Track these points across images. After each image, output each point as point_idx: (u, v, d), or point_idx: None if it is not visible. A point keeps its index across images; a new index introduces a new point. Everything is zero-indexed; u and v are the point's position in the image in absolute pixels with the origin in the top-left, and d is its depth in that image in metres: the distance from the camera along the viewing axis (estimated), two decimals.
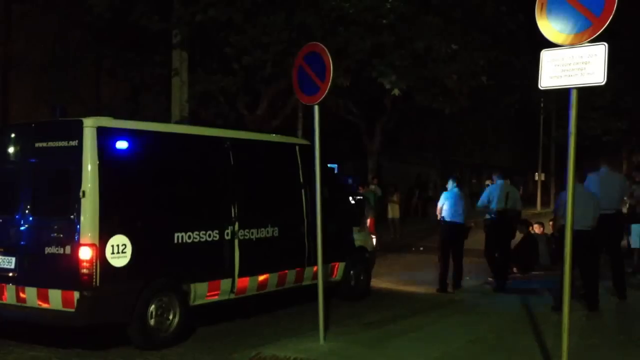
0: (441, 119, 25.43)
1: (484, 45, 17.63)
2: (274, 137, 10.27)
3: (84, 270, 6.86)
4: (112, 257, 7.03)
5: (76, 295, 6.89)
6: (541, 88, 5.71)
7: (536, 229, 14.55)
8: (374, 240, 11.50)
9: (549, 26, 5.49)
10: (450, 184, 11.45)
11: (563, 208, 8.54)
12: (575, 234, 8.43)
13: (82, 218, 6.94)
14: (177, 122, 13.96)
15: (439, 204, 11.36)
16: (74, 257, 6.93)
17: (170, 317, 7.65)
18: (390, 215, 21.11)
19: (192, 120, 14.52)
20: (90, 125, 7.11)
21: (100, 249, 6.94)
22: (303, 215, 9.53)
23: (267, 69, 15.33)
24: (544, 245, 13.79)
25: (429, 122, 29.11)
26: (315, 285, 7.65)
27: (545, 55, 5.58)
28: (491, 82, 18.83)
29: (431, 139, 33.39)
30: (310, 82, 7.40)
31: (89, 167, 7.00)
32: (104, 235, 6.98)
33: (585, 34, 5.30)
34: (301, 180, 9.63)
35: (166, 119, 14.31)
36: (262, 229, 8.85)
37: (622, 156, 45.44)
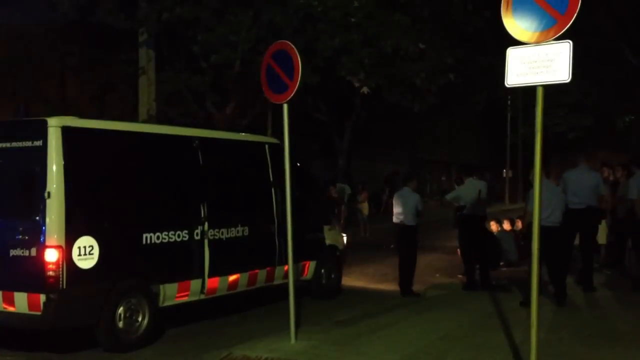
0: (410, 117, 25.60)
1: (452, 43, 17.79)
2: (243, 136, 10.21)
3: (50, 273, 6.74)
4: (78, 259, 6.92)
5: (42, 298, 6.77)
6: (507, 86, 5.77)
7: (505, 225, 14.69)
8: (345, 239, 11.50)
9: (515, 24, 5.55)
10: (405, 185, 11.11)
11: (531, 204, 8.66)
12: (544, 230, 8.58)
13: (47, 219, 6.82)
14: (144, 122, 13.81)
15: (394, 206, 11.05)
16: (39, 259, 6.80)
17: (139, 318, 7.55)
18: (362, 213, 21.26)
19: (160, 120, 14.39)
20: (55, 125, 6.99)
21: (67, 250, 6.82)
22: (273, 214, 9.50)
23: (235, 68, 15.26)
24: (512, 242, 13.94)
25: (398, 121, 29.27)
26: (286, 285, 7.63)
27: (512, 53, 5.64)
28: (459, 80, 19.01)
29: (401, 137, 33.58)
30: (279, 80, 7.37)
31: (54, 168, 6.88)
32: (71, 236, 6.87)
33: (550, 32, 5.36)
34: (271, 179, 9.59)
35: (133, 118, 14.16)
36: (232, 229, 8.79)
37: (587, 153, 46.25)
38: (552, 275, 9.38)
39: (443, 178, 38.94)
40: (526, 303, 8.30)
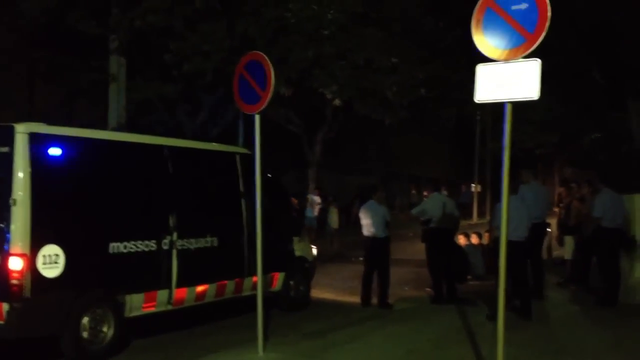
0: (382, 130, 25.75)
1: (423, 59, 17.98)
2: (213, 146, 10.17)
3: (14, 281, 6.63)
4: (43, 268, 6.81)
5: (5, 307, 6.66)
6: (477, 101, 5.85)
7: (473, 239, 14.81)
8: (315, 251, 11.50)
9: (485, 41, 5.64)
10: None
11: (498, 219, 8.77)
12: (510, 245, 8.69)
13: (12, 227, 6.71)
14: (114, 129, 13.67)
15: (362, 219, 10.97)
16: (3, 268, 6.68)
17: (105, 329, 7.45)
18: (331, 226, 21.29)
19: (131, 128, 14.25)
20: (22, 131, 6.89)
21: (31, 259, 6.71)
22: (243, 225, 9.45)
23: (207, 77, 15.21)
24: (480, 256, 14.05)
25: (369, 133, 29.43)
26: (255, 296, 7.60)
27: (481, 69, 5.72)
28: (430, 95, 19.21)
29: (372, 150, 33.74)
30: (251, 91, 7.38)
31: (20, 175, 6.78)
32: (35, 244, 6.76)
33: (519, 50, 5.46)
34: (241, 189, 9.56)
35: (103, 126, 13.99)
36: (201, 239, 8.73)
37: (553, 169, 47.01)
38: (517, 290, 9.48)
39: (413, 191, 39.13)
40: (493, 317, 8.36)
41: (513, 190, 9.68)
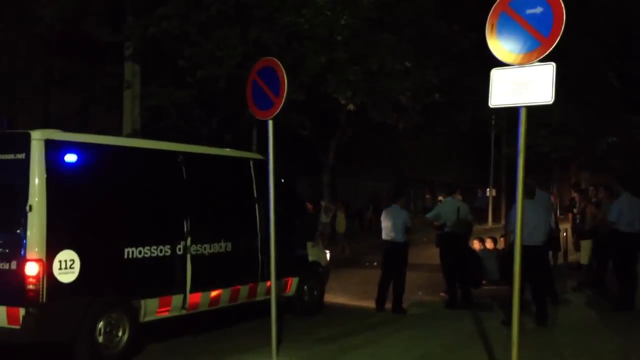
0: (395, 135, 25.71)
1: (437, 63, 17.94)
2: (227, 152, 10.20)
3: (30, 286, 6.68)
4: (59, 273, 6.86)
5: (22, 311, 6.70)
6: (491, 106, 5.82)
7: (488, 244, 14.73)
8: (328, 256, 11.49)
9: (499, 46, 5.62)
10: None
11: (513, 224, 8.75)
12: (526, 249, 8.65)
13: (28, 233, 6.76)
14: (128, 136, 13.76)
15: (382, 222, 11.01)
16: (19, 273, 6.73)
17: (120, 333, 7.49)
18: (338, 230, 21.33)
19: (145, 134, 14.34)
20: (38, 138, 6.95)
21: (47, 264, 6.76)
22: (256, 230, 9.47)
23: (221, 83, 15.26)
24: (495, 261, 13.97)
25: (383, 138, 29.38)
26: (269, 301, 7.60)
27: (496, 74, 5.70)
28: (444, 100, 19.15)
29: (385, 155, 33.68)
30: (265, 96, 7.40)
31: (37, 181, 6.83)
32: (51, 250, 6.81)
33: (534, 54, 5.44)
34: (255, 195, 9.58)
35: (118, 133, 14.09)
36: (215, 244, 8.75)
37: (569, 173, 46.70)
38: (534, 295, 9.41)
39: (427, 196, 39.03)
40: (508, 322, 8.31)
41: (529, 194, 9.64)
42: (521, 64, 5.53)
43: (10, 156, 7.06)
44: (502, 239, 14.91)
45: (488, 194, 40.44)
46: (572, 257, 15.55)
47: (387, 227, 10.81)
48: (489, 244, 14.74)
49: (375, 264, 17.55)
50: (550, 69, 5.44)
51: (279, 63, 7.33)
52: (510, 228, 9.19)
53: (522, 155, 5.56)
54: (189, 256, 8.30)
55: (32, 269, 6.70)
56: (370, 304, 11.11)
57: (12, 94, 15.95)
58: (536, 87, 5.48)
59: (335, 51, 15.33)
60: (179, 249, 8.21)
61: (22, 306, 6.71)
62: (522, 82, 5.56)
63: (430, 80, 17.56)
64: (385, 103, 18.24)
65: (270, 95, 7.34)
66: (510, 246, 9.37)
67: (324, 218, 20.47)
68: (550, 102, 5.46)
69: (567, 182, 44.66)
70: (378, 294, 10.91)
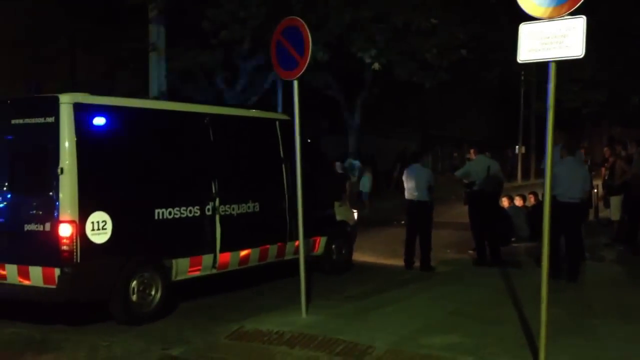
0: (421, 93, 25.45)
1: (464, 19, 17.62)
2: (253, 113, 10.22)
3: (64, 247, 6.84)
4: (92, 234, 7.00)
5: (57, 271, 6.87)
6: (520, 62, 5.72)
7: (517, 201, 14.67)
8: (356, 215, 11.54)
9: None
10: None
11: (555, 181, 8.81)
12: (562, 206, 8.62)
13: (61, 195, 6.89)
14: (155, 98, 13.82)
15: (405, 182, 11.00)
16: (54, 234, 6.88)
17: (152, 292, 7.66)
18: (363, 190, 21.43)
19: (171, 96, 14.40)
20: (66, 102, 7.02)
21: (80, 225, 6.90)
22: (284, 190, 9.53)
23: (245, 44, 15.20)
24: (524, 218, 13.93)
25: (409, 97, 29.11)
26: (297, 260, 7.69)
27: (524, 28, 5.58)
28: (471, 56, 18.86)
29: (412, 114, 33.41)
30: (289, 56, 7.35)
31: (67, 144, 6.93)
32: (84, 212, 6.94)
33: (564, 7, 5.30)
34: (281, 155, 9.61)
35: (144, 95, 14.16)
36: (243, 205, 8.84)
37: (601, 129, 45.93)
38: (567, 252, 9.39)
39: (455, 154, 38.73)
40: (555, 275, 8.35)
41: (570, 151, 9.59)
42: (550, 17, 5.40)
43: (40, 120, 7.17)
44: (530, 196, 14.83)
45: (517, 151, 40.02)
46: (602, 214, 15.41)
47: (410, 187, 10.80)
48: (518, 202, 14.68)
49: (403, 222, 17.62)
50: (581, 22, 5.30)
51: (303, 22, 7.26)
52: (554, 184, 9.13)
53: (551, 112, 5.47)
54: (217, 216, 8.41)
55: (65, 230, 6.85)
56: (399, 262, 11.18)
57: (39, 58, 16.09)
58: (566, 41, 5.35)
59: (359, 9, 15.12)
60: (208, 210, 8.31)
61: (57, 266, 6.88)
62: (551, 36, 5.44)
63: (456, 37, 17.28)
64: (411, 61, 18.02)
65: (294, 55, 7.29)
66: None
67: (352, 177, 20.52)
68: (581, 57, 5.34)
69: (598, 138, 43.97)
70: (405, 252, 10.98)
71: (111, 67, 17.70)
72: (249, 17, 14.27)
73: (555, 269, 9.22)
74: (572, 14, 5.31)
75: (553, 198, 8.97)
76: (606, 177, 13.68)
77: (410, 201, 10.85)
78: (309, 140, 10.13)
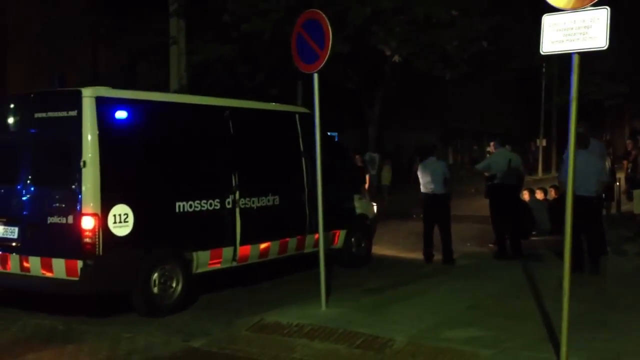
0: (441, 85, 25.30)
1: (485, 10, 17.48)
2: (273, 106, 10.23)
3: (87, 240, 6.91)
4: (114, 226, 7.07)
5: (79, 264, 6.95)
6: (542, 53, 5.65)
7: (537, 194, 14.56)
8: (375, 208, 11.52)
9: None
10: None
11: (565, 173, 8.67)
12: (578, 200, 8.55)
13: (83, 188, 6.96)
14: (175, 91, 13.89)
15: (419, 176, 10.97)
16: (76, 227, 6.96)
17: (173, 284, 7.72)
18: (382, 183, 21.43)
19: (191, 90, 14.46)
20: (89, 95, 7.09)
21: (102, 218, 6.97)
22: (303, 183, 9.54)
23: (265, 37, 15.20)
24: (545, 211, 13.81)
25: (429, 89, 28.95)
26: (317, 253, 7.70)
27: (547, 20, 5.51)
28: (492, 48, 18.71)
29: (431, 106, 33.23)
30: (310, 49, 7.34)
31: (89, 137, 7.00)
32: (106, 204, 7.01)
33: None
34: (301, 148, 9.62)
35: (164, 89, 14.24)
36: (263, 198, 8.87)
37: (624, 121, 45.36)
38: (588, 245, 9.31)
39: (475, 147, 38.51)
40: (576, 268, 8.30)
41: (583, 144, 9.45)
42: (574, 8, 5.34)
43: (63, 113, 7.24)
44: (552, 189, 14.70)
45: (538, 144, 39.66)
46: (625, 207, 15.23)
47: (425, 180, 10.77)
48: (539, 195, 14.57)
49: (421, 216, 17.57)
50: (604, 13, 5.23)
51: (324, 15, 7.25)
52: (562, 178, 9.04)
53: (574, 104, 5.41)
54: (237, 210, 8.44)
55: (88, 223, 6.92)
56: (418, 255, 11.15)
57: (61, 51, 16.23)
58: (590, 32, 5.28)
59: (380, 1, 15.06)
60: (228, 203, 8.35)
61: (79, 259, 6.96)
62: (574, 27, 5.37)
63: (477, 28, 17.15)
64: (432, 53, 17.92)
65: (315, 48, 7.28)
66: (562, 196, 9.21)
67: (371, 170, 20.51)
68: (605, 48, 5.27)
69: (620, 131, 43.44)
70: (424, 246, 10.95)
71: (132, 61, 17.81)
72: (270, 9, 14.27)
73: (578, 263, 9.18)
74: (596, 4, 5.24)
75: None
76: (629, 170, 13.49)
77: (427, 194, 10.81)
78: (329, 134, 10.12)
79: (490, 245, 12.13)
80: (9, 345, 6.60)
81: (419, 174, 10.97)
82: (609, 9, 5.22)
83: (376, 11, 15.18)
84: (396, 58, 16.92)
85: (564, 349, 5.45)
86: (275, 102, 11.16)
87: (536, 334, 6.35)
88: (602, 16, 5.23)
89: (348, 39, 15.34)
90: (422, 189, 10.86)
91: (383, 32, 15.98)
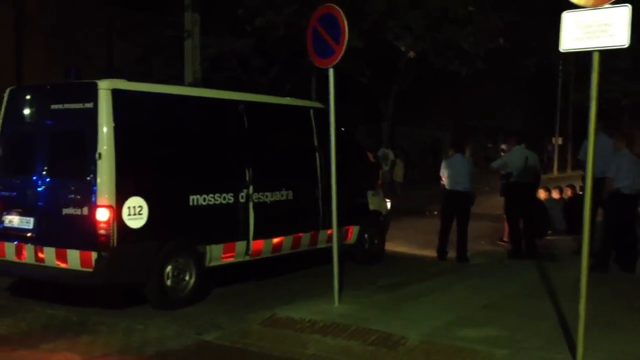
0: (456, 82, 25.17)
1: (502, 6, 17.36)
2: (287, 100, 10.20)
3: (102, 231, 6.93)
4: (128, 219, 7.08)
5: (94, 255, 6.97)
6: (562, 51, 5.59)
7: (554, 193, 14.46)
8: (389, 204, 11.48)
9: None
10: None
11: (614, 170, 8.70)
12: (631, 199, 8.87)
13: (98, 180, 6.98)
14: (190, 85, 13.89)
15: (442, 172, 10.99)
16: (91, 218, 6.98)
17: (187, 277, 7.73)
18: (395, 179, 21.38)
19: (205, 83, 14.46)
20: (105, 88, 7.10)
21: (117, 210, 6.98)
22: (317, 178, 9.52)
23: (280, 31, 15.16)
24: (560, 210, 13.72)
25: (443, 86, 28.81)
26: (330, 248, 7.68)
27: (567, 17, 5.45)
28: (508, 44, 18.58)
29: (446, 103, 33.08)
30: (325, 44, 7.30)
31: (105, 130, 7.01)
32: (121, 196, 7.02)
33: None
34: (315, 143, 9.59)
35: (179, 82, 14.24)
36: (277, 192, 8.85)
37: None
38: (624, 244, 9.35)
39: (489, 145, 38.29)
40: (596, 268, 8.35)
41: (630, 144, 9.54)
42: (595, 5, 5.27)
43: (79, 105, 7.26)
44: (567, 188, 14.60)
45: (554, 142, 39.38)
46: None
47: (452, 177, 10.68)
48: (555, 194, 14.46)
49: (435, 213, 17.48)
50: (625, 11, 5.17)
51: (340, 10, 7.20)
52: (610, 174, 9.03)
53: (594, 102, 5.36)
54: (251, 204, 8.44)
55: (102, 214, 6.94)
56: (432, 253, 11.10)
57: (76, 44, 16.29)
58: (610, 30, 5.22)
59: None
60: (242, 197, 8.35)
61: (94, 250, 6.98)
62: (595, 25, 5.31)
63: (494, 24, 17.03)
64: (447, 49, 17.82)
65: (330, 42, 7.24)
66: (608, 194, 9.15)
67: (384, 167, 20.47)
68: (626, 46, 5.21)
69: (637, 130, 43.01)
70: (439, 243, 10.89)
71: (146, 55, 17.85)
72: (285, 3, 14.24)
73: (606, 264, 9.14)
74: (617, 2, 5.18)
75: (617, 191, 8.97)
76: None
77: (452, 191, 10.73)
78: (343, 129, 10.08)
79: (499, 242, 12.06)
80: (22, 336, 6.63)
81: (444, 169, 10.91)
82: (630, 6, 5.16)
83: (392, 5, 15.12)
84: (411, 54, 16.85)
85: (580, 349, 5.41)
86: (289, 96, 11.14)
87: (552, 334, 6.31)
88: (623, 14, 5.18)
89: (363, 33, 15.28)
90: (447, 185, 10.78)
91: (398, 27, 15.91)
